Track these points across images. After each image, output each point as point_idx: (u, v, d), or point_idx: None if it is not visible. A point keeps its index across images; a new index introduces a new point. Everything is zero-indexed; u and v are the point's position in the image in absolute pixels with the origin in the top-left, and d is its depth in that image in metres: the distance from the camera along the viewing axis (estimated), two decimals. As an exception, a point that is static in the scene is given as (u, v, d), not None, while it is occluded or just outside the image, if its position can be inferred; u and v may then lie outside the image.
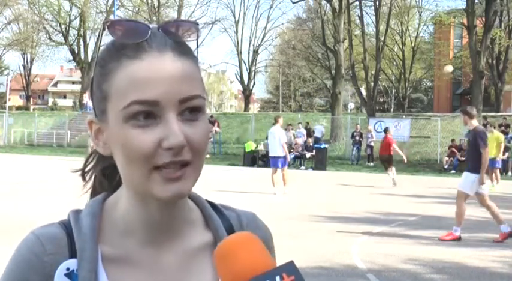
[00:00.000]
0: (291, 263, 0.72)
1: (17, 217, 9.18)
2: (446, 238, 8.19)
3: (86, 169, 0.97)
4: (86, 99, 36.79)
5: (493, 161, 16.47)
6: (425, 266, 6.66)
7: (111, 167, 0.93)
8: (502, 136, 16.76)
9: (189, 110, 0.81)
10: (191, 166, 0.81)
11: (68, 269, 0.82)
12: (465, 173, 8.41)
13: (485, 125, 24.66)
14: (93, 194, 0.96)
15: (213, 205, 0.96)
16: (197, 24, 0.85)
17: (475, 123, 8.27)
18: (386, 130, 18.67)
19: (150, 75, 0.79)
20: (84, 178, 0.97)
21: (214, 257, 0.75)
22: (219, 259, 0.74)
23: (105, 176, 0.96)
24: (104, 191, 0.93)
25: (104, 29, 0.82)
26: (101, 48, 0.86)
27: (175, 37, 0.83)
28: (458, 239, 8.17)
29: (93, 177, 0.97)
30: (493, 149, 16.36)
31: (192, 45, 0.86)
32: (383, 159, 17.85)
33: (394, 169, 17.23)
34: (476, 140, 8.08)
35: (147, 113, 0.79)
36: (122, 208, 0.88)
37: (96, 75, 0.85)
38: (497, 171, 16.74)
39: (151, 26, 0.82)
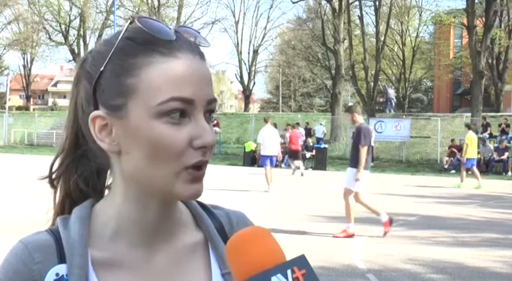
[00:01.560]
0: (302, 257, 0.72)
1: (17, 216, 9.17)
2: (340, 235, 8.22)
3: (54, 176, 0.91)
4: None
5: (468, 160, 16.66)
6: (425, 266, 6.66)
7: (91, 173, 0.90)
8: (473, 138, 16.69)
9: (210, 112, 0.83)
10: (205, 167, 0.83)
11: (57, 274, 0.81)
12: (348, 169, 8.53)
13: (485, 125, 24.71)
14: (72, 204, 0.90)
15: (202, 205, 0.96)
16: (198, 33, 0.87)
17: (360, 120, 8.44)
18: (295, 126, 22.87)
19: (187, 74, 0.80)
20: (53, 185, 0.92)
21: (226, 250, 0.75)
22: (230, 252, 0.74)
23: (89, 186, 0.91)
24: (83, 200, 0.89)
25: (131, 23, 0.82)
26: (117, 42, 0.82)
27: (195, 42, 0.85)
28: (352, 236, 8.20)
29: (70, 185, 0.91)
30: (472, 149, 16.57)
31: None
32: (293, 152, 20.34)
33: (301, 162, 20.38)
34: (359, 136, 8.21)
35: (182, 110, 0.79)
36: (115, 210, 0.86)
37: (113, 69, 0.81)
38: (464, 171, 16.97)
39: (171, 27, 0.83)
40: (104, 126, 0.83)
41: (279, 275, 0.69)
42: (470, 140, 16.43)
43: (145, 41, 0.81)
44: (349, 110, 8.76)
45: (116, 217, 0.86)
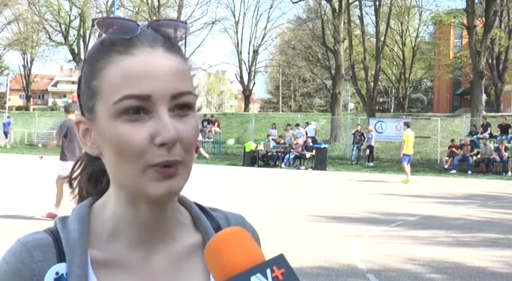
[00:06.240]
0: (281, 256, 0.72)
1: (17, 216, 9.17)
2: (45, 217, 8.72)
3: (73, 176, 0.96)
4: None
5: (405, 156, 17.88)
6: (425, 266, 6.66)
7: (97, 172, 0.93)
8: (409, 136, 17.92)
9: (180, 106, 0.81)
10: (182, 163, 0.81)
11: (57, 273, 0.81)
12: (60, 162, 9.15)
13: (485, 125, 24.69)
14: (79, 200, 0.95)
15: (200, 207, 0.96)
16: (185, 23, 0.85)
17: (70, 117, 8.91)
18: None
19: (142, 70, 0.79)
20: (71, 185, 0.96)
21: (205, 252, 0.75)
22: (209, 254, 0.74)
23: (90, 182, 0.94)
24: (88, 197, 0.92)
25: (93, 26, 0.83)
26: (89, 47, 0.86)
27: (165, 34, 0.84)
28: (54, 216, 8.57)
29: (78, 183, 0.96)
30: (408, 146, 17.72)
31: (182, 45, 0.87)
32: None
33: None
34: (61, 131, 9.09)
35: (139, 108, 0.79)
36: (111, 210, 0.87)
37: (85, 73, 0.84)
38: (405, 167, 18.07)
39: (140, 23, 0.83)
40: (87, 131, 0.86)
41: (258, 274, 0.70)
42: (407, 137, 17.75)
43: (107, 42, 0.82)
44: (65, 109, 9.49)
45: (112, 218, 0.86)
